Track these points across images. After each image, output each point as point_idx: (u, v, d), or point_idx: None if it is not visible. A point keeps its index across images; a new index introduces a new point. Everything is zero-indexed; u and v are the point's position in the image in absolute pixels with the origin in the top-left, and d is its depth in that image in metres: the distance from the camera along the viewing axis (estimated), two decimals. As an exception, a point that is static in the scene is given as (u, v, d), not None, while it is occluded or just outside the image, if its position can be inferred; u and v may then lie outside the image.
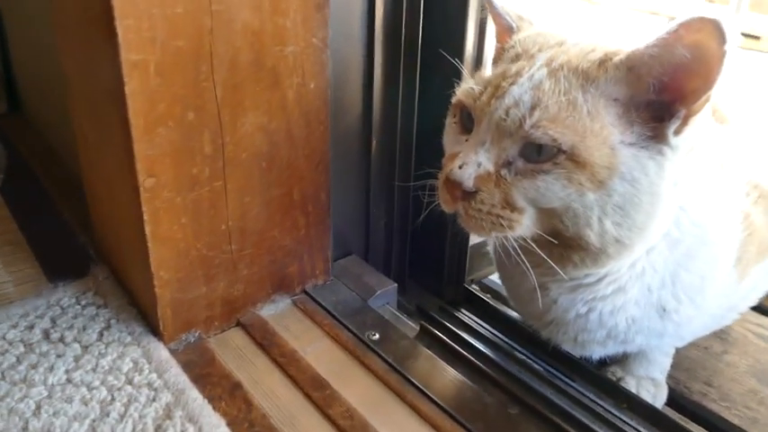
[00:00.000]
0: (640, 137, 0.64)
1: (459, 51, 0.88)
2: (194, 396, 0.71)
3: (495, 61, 0.77)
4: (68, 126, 0.92)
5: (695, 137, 0.66)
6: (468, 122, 0.70)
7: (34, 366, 0.75)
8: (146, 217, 0.71)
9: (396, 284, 0.94)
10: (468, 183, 0.65)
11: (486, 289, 1.21)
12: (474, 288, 1.17)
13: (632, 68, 0.62)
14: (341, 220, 0.96)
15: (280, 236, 0.84)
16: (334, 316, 0.86)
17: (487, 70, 0.78)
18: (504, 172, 0.65)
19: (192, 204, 0.75)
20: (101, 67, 0.68)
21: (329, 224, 0.89)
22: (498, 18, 0.77)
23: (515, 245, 0.68)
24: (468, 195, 0.66)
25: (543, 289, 0.79)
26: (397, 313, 0.93)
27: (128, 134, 0.67)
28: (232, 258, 0.81)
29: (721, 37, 0.55)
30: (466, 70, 0.90)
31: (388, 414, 0.72)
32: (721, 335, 1.09)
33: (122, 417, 0.69)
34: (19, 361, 0.76)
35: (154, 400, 0.71)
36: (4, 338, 0.79)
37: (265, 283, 0.86)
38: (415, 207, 1.01)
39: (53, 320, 0.82)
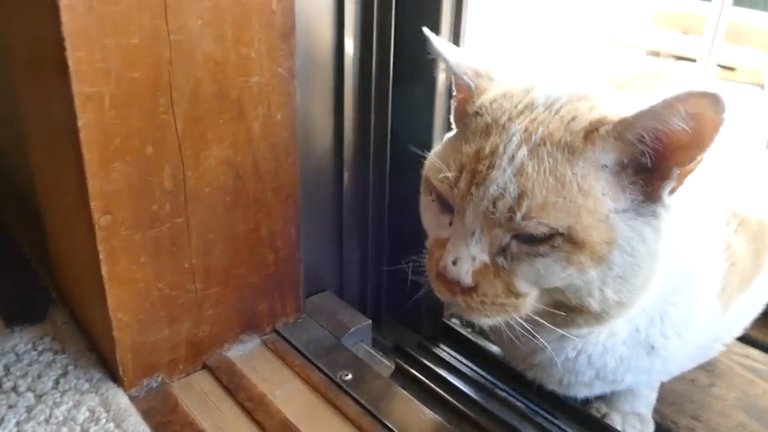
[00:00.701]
0: (633, 201, 0.60)
1: (430, 86, 0.87)
2: (153, 447, 0.67)
3: (458, 121, 0.71)
4: (28, 163, 0.88)
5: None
6: (447, 203, 0.65)
7: (-17, 419, 0.70)
8: (102, 256, 0.68)
9: (370, 321, 0.91)
10: (467, 279, 0.60)
11: (468, 323, 1.18)
12: (454, 322, 1.14)
13: (620, 137, 0.58)
14: (313, 256, 0.93)
15: (247, 273, 0.81)
16: (305, 356, 0.83)
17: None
18: (500, 261, 0.60)
19: (152, 242, 0.71)
20: (54, 100, 0.66)
21: (300, 260, 0.86)
22: (456, 78, 0.70)
23: (520, 321, 0.64)
24: (469, 290, 0.61)
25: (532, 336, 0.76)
26: (372, 351, 0.89)
27: (81, 169, 0.64)
28: (197, 298, 0.77)
29: (720, 108, 0.53)
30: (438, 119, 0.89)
31: (362, 460, 0.69)
32: (708, 367, 1.06)
33: (75, 471, 0.65)
34: (-33, 413, 0.71)
35: (110, 452, 0.67)
36: (-48, 389, 0.74)
37: (233, 322, 0.83)
38: (390, 240, 0.99)
39: (6, 368, 0.77)
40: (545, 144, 0.59)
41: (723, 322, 0.86)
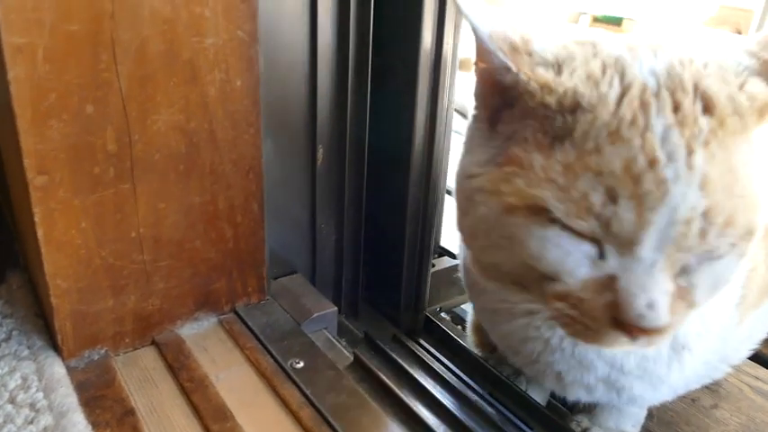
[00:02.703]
0: None
1: (414, 49, 0.81)
2: (76, 420, 0.64)
3: (490, 100, 0.58)
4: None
5: None
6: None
7: None
8: (36, 218, 0.65)
9: (335, 308, 0.86)
10: (668, 320, 0.50)
11: (459, 320, 1.12)
12: (443, 317, 1.08)
13: None
14: (283, 237, 0.88)
15: (203, 247, 0.77)
16: (259, 339, 0.78)
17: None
18: (681, 282, 0.51)
19: (94, 207, 0.68)
20: (-9, 52, 0.63)
21: (263, 237, 0.81)
22: (486, 55, 0.54)
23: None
24: (659, 330, 0.51)
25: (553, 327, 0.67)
26: (334, 340, 0.84)
27: (14, 126, 0.61)
28: (145, 269, 0.74)
29: None
30: (422, 85, 0.83)
31: (292, 455, 0.64)
32: (713, 387, 0.97)
33: (-8, 439, 0.62)
34: None
35: (31, 422, 0.64)
36: None
37: (186, 298, 0.79)
38: (368, 223, 0.93)
39: (-48, 328, 0.76)
40: (716, 135, 0.48)
41: (733, 339, 0.77)
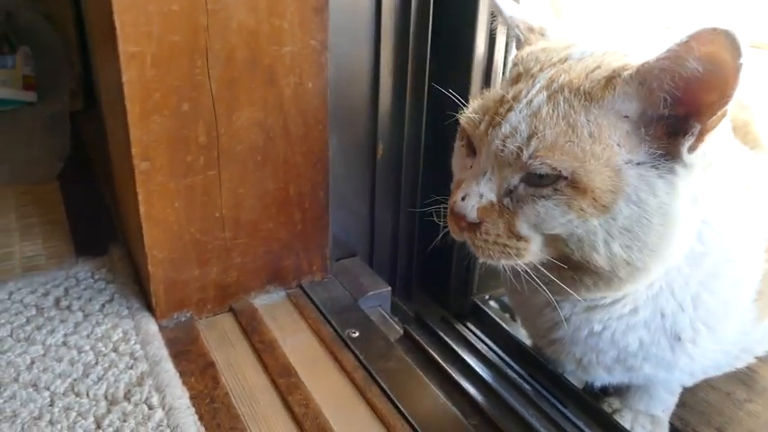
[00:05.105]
0: (651, 155, 0.60)
1: (468, 57, 0.89)
2: (167, 368, 0.76)
3: None
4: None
5: (712, 153, 0.62)
6: (473, 147, 0.68)
7: (39, 328, 0.82)
8: (140, 198, 0.77)
9: (389, 288, 0.95)
10: (472, 214, 0.63)
11: (506, 308, 1.19)
12: (491, 304, 1.16)
13: (643, 82, 0.58)
14: (346, 223, 0.98)
15: (275, 229, 0.88)
16: (321, 311, 0.89)
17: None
18: (506, 201, 0.62)
19: (186, 190, 0.80)
20: (109, 58, 0.75)
21: (327, 222, 0.92)
22: (509, 30, 0.74)
23: (526, 269, 0.66)
24: (474, 226, 0.64)
25: (555, 307, 0.76)
26: (386, 316, 0.93)
27: (125, 120, 0.73)
28: (225, 245, 0.85)
29: (735, 49, 0.51)
30: (475, 88, 0.91)
31: (345, 407, 0.73)
32: (748, 381, 1.01)
33: (100, 379, 0.75)
34: (28, 322, 0.83)
35: (131, 368, 0.76)
36: (21, 302, 0.87)
37: (260, 273, 0.90)
38: (422, 213, 1.02)
39: (66, 290, 0.90)
40: (563, 90, 0.61)
41: (755, 332, 0.82)
